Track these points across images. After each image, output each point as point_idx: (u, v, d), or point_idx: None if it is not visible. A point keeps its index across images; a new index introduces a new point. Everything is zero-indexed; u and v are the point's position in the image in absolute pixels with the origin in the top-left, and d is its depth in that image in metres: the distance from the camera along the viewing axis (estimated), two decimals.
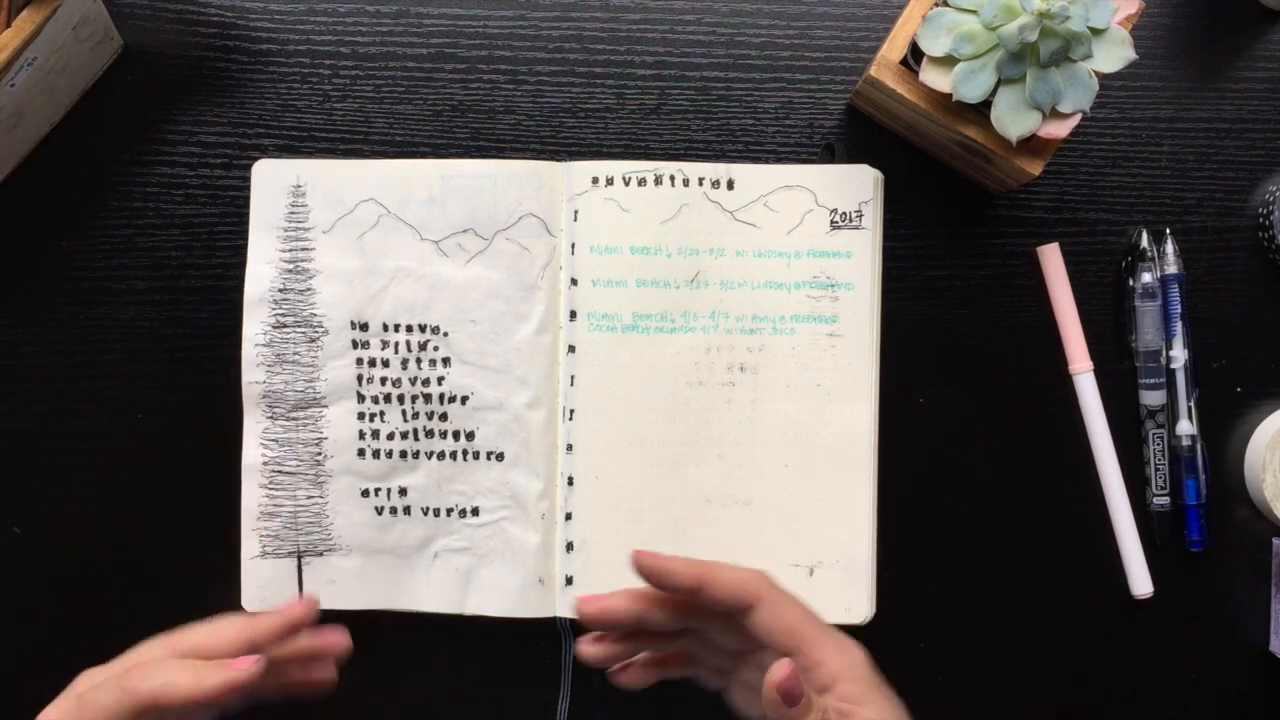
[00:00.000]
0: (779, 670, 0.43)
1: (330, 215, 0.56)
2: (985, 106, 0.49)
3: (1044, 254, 0.57)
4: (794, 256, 0.56)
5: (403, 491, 0.56)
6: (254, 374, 0.55)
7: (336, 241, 0.56)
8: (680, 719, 0.57)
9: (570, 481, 0.56)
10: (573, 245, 0.56)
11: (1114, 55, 0.49)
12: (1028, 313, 0.57)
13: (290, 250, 0.56)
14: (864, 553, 0.55)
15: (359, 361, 0.56)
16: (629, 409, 0.56)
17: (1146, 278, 0.56)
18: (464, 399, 0.56)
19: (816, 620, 0.46)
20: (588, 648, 0.49)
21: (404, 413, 0.56)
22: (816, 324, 0.56)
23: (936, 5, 0.50)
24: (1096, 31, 0.48)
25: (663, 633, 0.49)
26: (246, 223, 0.56)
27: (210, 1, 0.57)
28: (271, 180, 0.56)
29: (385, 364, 0.56)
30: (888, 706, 0.44)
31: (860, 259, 0.56)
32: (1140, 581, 0.56)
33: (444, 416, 0.56)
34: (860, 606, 0.55)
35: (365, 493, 0.56)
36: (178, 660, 0.46)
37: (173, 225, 0.57)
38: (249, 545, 0.55)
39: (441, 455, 0.56)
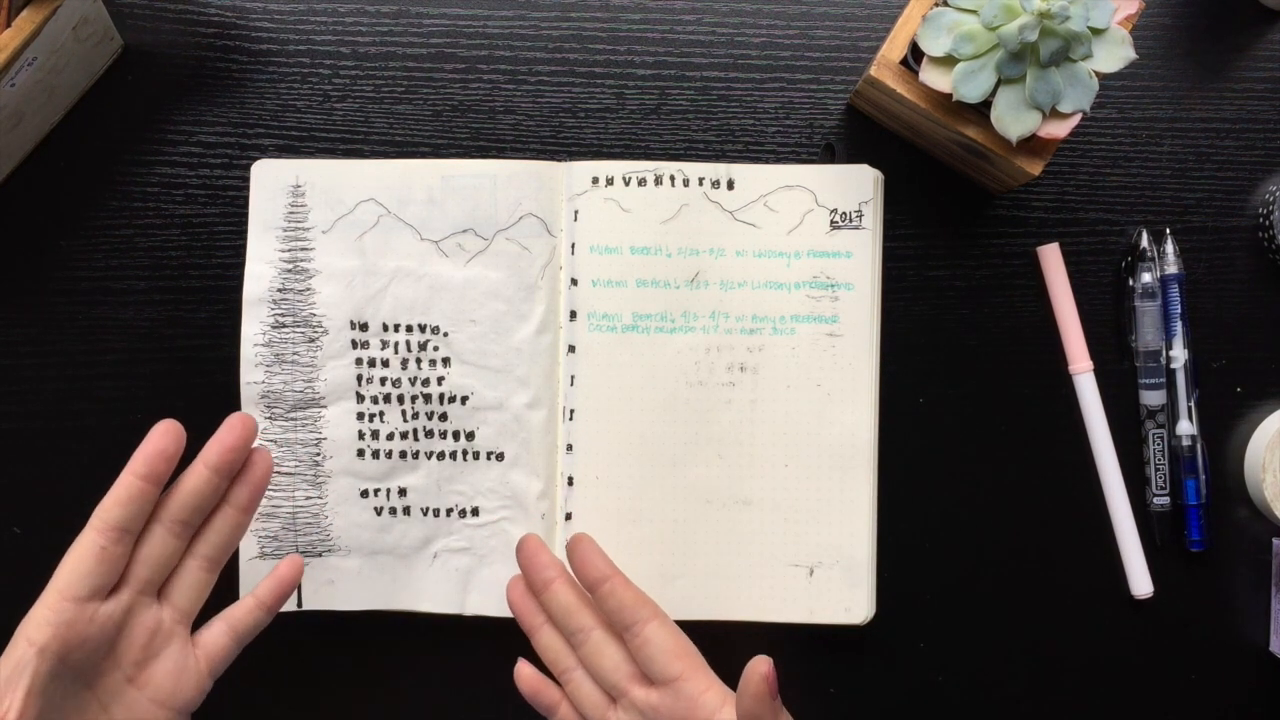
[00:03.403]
0: (762, 663, 0.45)
1: (330, 215, 0.56)
2: (985, 106, 0.49)
3: (1044, 254, 0.57)
4: (794, 256, 0.56)
5: (402, 492, 0.56)
6: (253, 374, 0.55)
7: (336, 241, 0.56)
8: None
9: (570, 481, 0.56)
10: (573, 245, 0.56)
11: (1114, 55, 0.49)
12: (1028, 313, 0.57)
13: (290, 250, 0.56)
14: (864, 553, 0.55)
15: (358, 361, 0.56)
16: (629, 409, 0.56)
17: (1146, 278, 0.56)
18: (464, 399, 0.56)
19: (701, 656, 0.50)
20: (525, 671, 0.53)
21: (404, 413, 0.56)
22: (816, 324, 0.56)
23: (936, 5, 0.50)
24: (1096, 31, 0.48)
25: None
26: (246, 223, 0.56)
27: (210, 1, 0.58)
28: (271, 180, 0.56)
29: (385, 364, 0.56)
30: None
31: (860, 259, 0.56)
32: (1140, 581, 0.56)
33: (444, 417, 0.56)
34: (860, 606, 0.55)
35: (364, 493, 0.56)
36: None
37: (173, 225, 0.57)
38: (247, 546, 0.55)
39: (441, 455, 0.56)
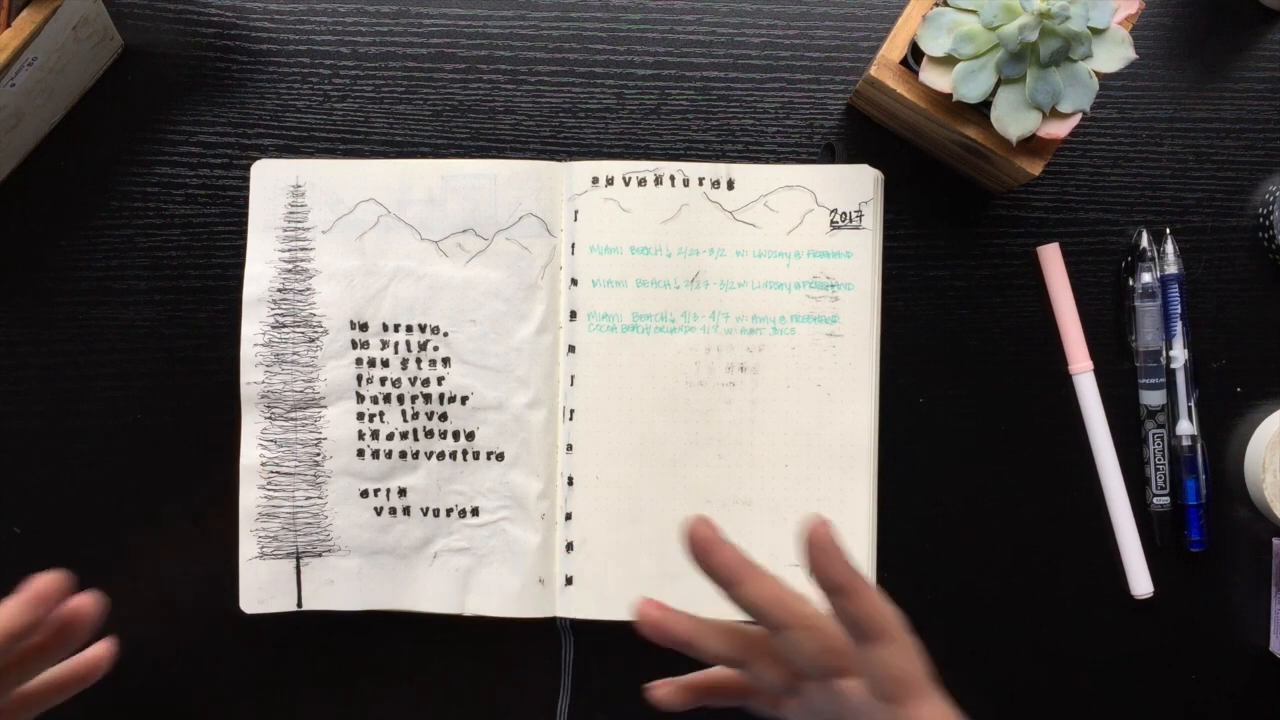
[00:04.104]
0: (814, 521, 0.41)
1: (330, 215, 0.56)
2: (985, 106, 0.49)
3: (1044, 254, 0.57)
4: (794, 256, 0.56)
5: (402, 492, 0.56)
6: (253, 374, 0.55)
7: (336, 241, 0.56)
8: (683, 719, 0.57)
9: (570, 481, 0.56)
10: (573, 245, 0.56)
11: (1114, 55, 0.49)
12: (1028, 313, 0.57)
13: (290, 250, 0.56)
14: (864, 553, 0.55)
15: (358, 361, 0.56)
16: (629, 409, 0.56)
17: (1146, 278, 0.56)
18: (464, 399, 0.56)
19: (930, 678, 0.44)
20: (661, 691, 0.46)
21: (404, 413, 0.56)
22: (816, 324, 0.56)
23: (936, 5, 0.50)
24: (1096, 31, 0.48)
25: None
26: (246, 223, 0.56)
27: (210, 1, 0.57)
28: (271, 180, 0.56)
29: (385, 364, 0.56)
30: None
31: (860, 259, 0.56)
32: (1140, 581, 0.56)
33: (444, 416, 0.56)
34: None
35: (364, 493, 0.56)
36: None
37: (173, 225, 0.57)
38: (247, 546, 0.55)
39: (441, 455, 0.56)
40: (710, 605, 0.55)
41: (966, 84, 0.48)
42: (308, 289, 0.56)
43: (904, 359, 0.57)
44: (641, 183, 0.56)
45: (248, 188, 0.56)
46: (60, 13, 0.50)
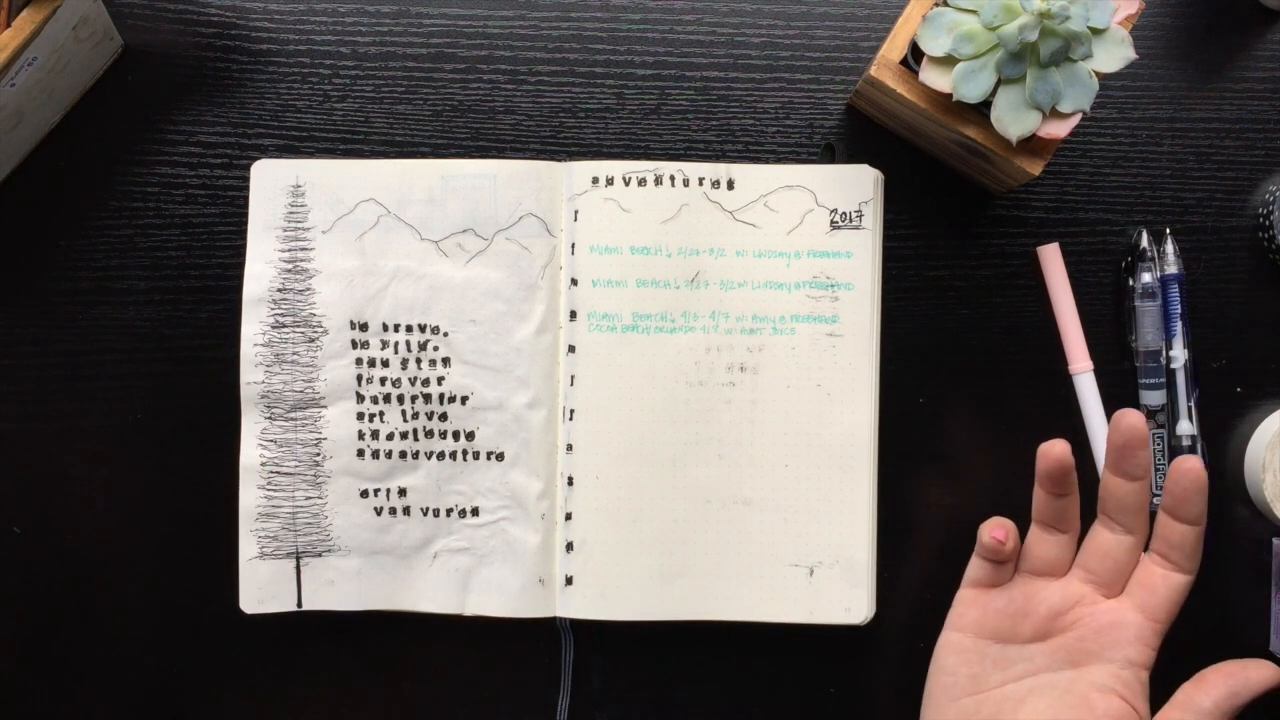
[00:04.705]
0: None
1: (330, 215, 0.56)
2: (985, 106, 0.49)
3: (1044, 254, 0.57)
4: (794, 256, 0.56)
5: (402, 492, 0.56)
6: (252, 374, 0.55)
7: (336, 241, 0.56)
8: (683, 718, 0.57)
9: (570, 481, 0.56)
10: (573, 245, 0.56)
11: (1114, 55, 0.49)
12: (1028, 313, 0.57)
13: (289, 250, 0.56)
14: (864, 553, 0.55)
15: (358, 361, 0.56)
16: (629, 409, 0.56)
17: (1146, 278, 0.56)
18: (464, 399, 0.56)
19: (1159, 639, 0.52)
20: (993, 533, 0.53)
21: (404, 413, 0.56)
22: (816, 324, 0.56)
23: (936, 5, 0.50)
24: (1096, 31, 0.48)
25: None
26: (246, 223, 0.56)
27: (210, 1, 0.58)
28: (271, 180, 0.56)
29: (385, 364, 0.56)
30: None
31: (860, 259, 0.56)
32: None
33: (444, 416, 0.56)
34: (860, 606, 0.55)
35: (364, 493, 0.56)
36: None
37: (173, 225, 0.57)
38: (247, 546, 0.55)
39: (441, 455, 0.56)
40: (709, 607, 0.55)
41: (966, 84, 0.48)
42: (308, 289, 0.56)
43: (904, 359, 0.57)
44: (641, 183, 0.56)
45: (248, 188, 0.56)
46: (60, 13, 0.50)
